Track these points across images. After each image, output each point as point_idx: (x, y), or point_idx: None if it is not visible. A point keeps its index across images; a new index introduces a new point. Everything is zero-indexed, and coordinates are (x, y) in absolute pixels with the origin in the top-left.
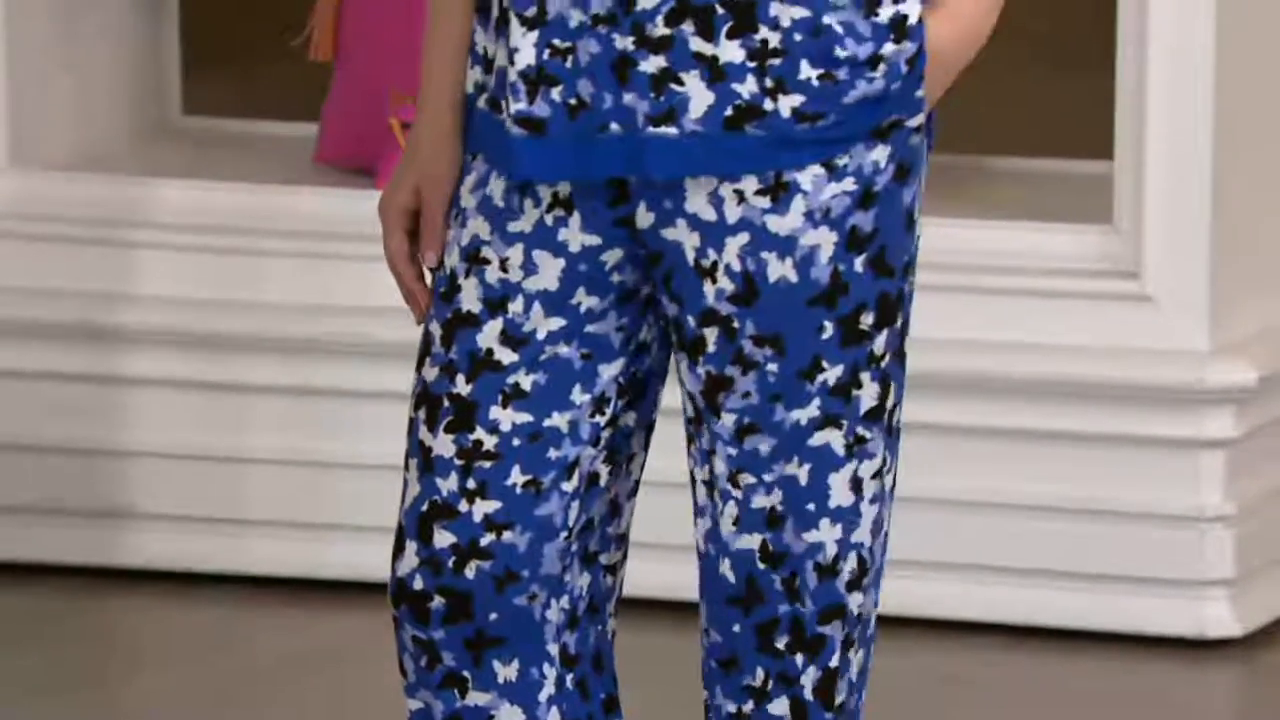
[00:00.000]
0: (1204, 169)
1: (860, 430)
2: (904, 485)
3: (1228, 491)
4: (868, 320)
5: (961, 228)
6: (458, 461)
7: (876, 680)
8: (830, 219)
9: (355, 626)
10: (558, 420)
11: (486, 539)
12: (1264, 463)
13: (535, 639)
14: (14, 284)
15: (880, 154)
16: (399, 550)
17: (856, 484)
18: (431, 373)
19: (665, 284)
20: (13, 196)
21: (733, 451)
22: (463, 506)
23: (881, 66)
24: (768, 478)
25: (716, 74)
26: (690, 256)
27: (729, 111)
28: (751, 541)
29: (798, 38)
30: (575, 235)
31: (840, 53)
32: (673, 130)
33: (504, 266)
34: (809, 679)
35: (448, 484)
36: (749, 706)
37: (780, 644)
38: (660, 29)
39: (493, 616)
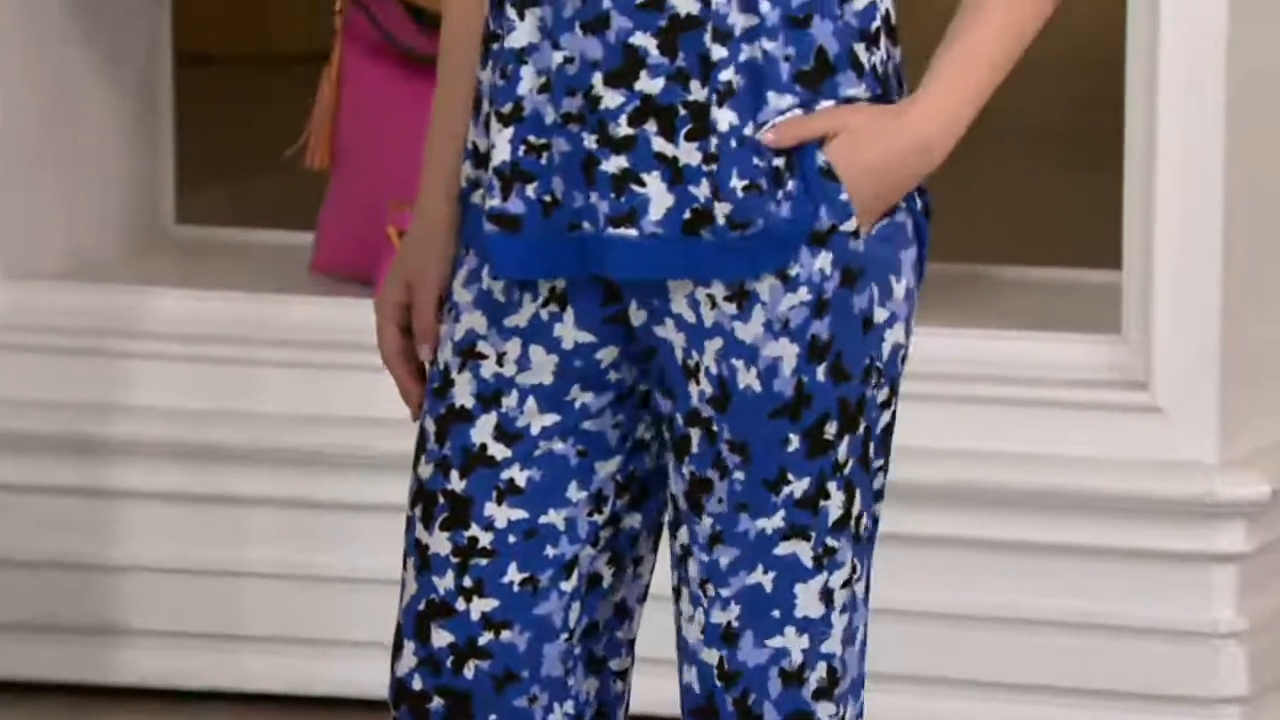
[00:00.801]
0: (1214, 278)
1: (829, 541)
2: (907, 599)
3: (1240, 607)
4: (831, 429)
5: (966, 337)
6: (454, 559)
7: None
8: (790, 330)
9: None
10: (554, 517)
11: (485, 638)
12: (1277, 578)
13: None
14: (3, 395)
15: (823, 261)
16: (398, 650)
17: (827, 595)
18: (426, 469)
19: (659, 381)
20: (3, 307)
21: (704, 558)
22: (460, 605)
23: (784, 179)
24: (725, 592)
25: (676, 176)
26: (679, 355)
27: (687, 215)
28: (711, 656)
29: (732, 144)
30: (569, 331)
31: (759, 162)
32: (633, 232)
33: (500, 361)
34: None
35: (444, 582)
36: None
37: None
38: (624, 129)
39: (492, 718)
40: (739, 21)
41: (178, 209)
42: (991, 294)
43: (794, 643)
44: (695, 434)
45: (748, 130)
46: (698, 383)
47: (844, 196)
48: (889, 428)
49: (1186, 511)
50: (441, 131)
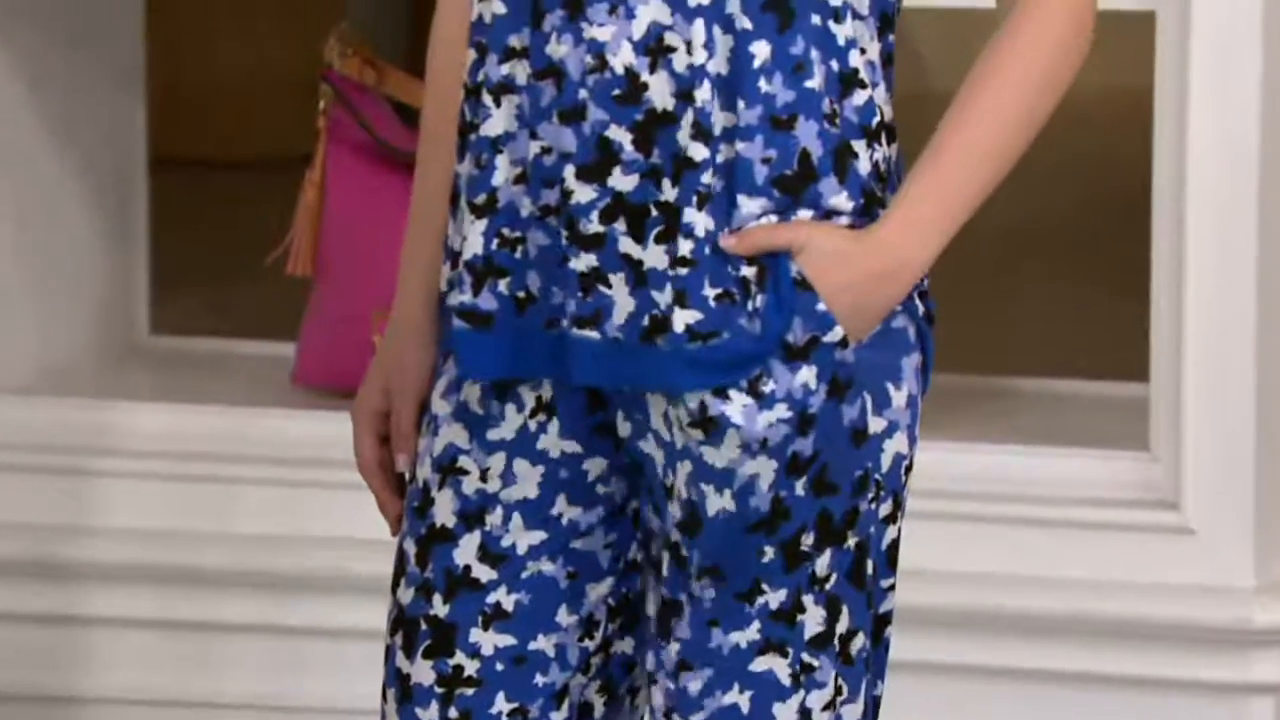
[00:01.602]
0: (1247, 391)
1: (806, 658)
2: None
3: None
4: (808, 541)
5: (987, 453)
6: (438, 689)
7: None
8: (769, 449)
9: None
10: (543, 643)
11: None
12: None
13: None
14: None
15: (807, 375)
16: None
17: (805, 714)
18: (407, 594)
19: (648, 496)
20: None
21: (670, 686)
22: None
23: (752, 289)
24: (696, 718)
25: (640, 279)
26: (660, 474)
27: (645, 321)
28: None
29: (707, 251)
30: (555, 441)
31: (732, 270)
32: (595, 334)
33: (483, 477)
34: None
35: (428, 714)
36: None
37: None
38: (594, 226)
39: None
40: (720, 120)
41: (153, 319)
42: (1013, 407)
43: None
44: (666, 556)
45: (722, 238)
46: (670, 503)
47: (821, 307)
48: (894, 544)
49: (1221, 639)
50: (419, 231)
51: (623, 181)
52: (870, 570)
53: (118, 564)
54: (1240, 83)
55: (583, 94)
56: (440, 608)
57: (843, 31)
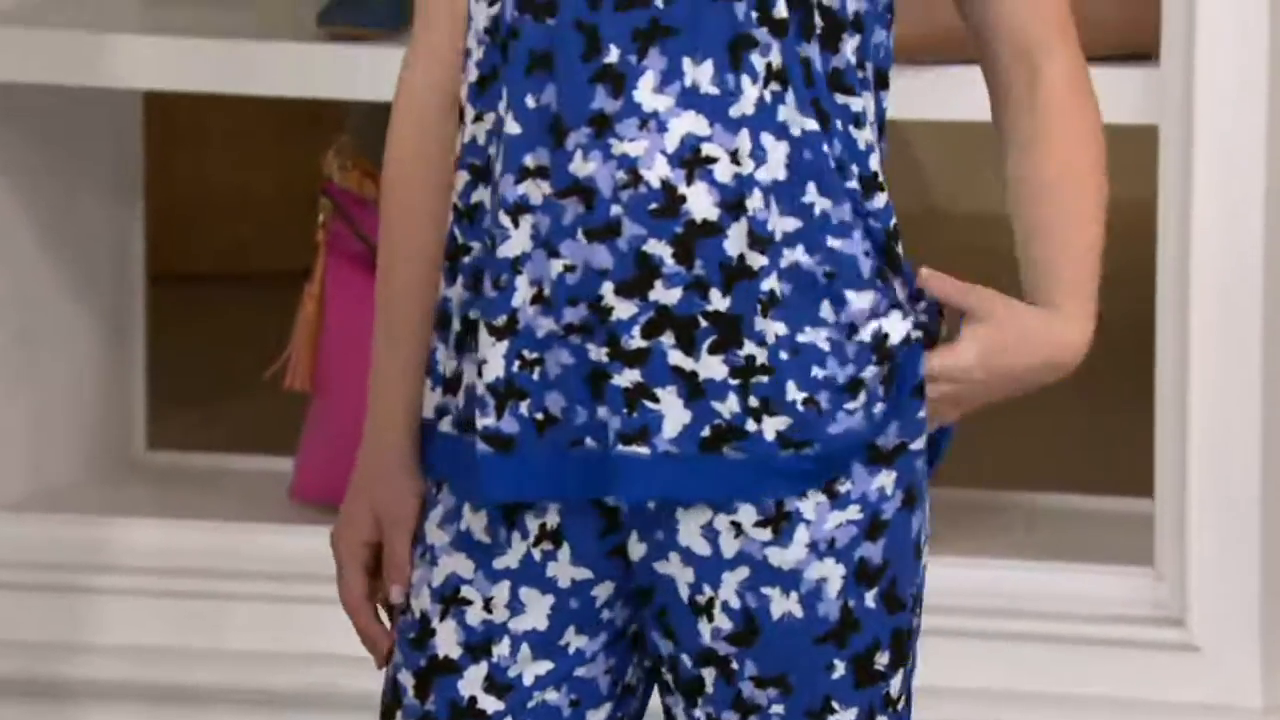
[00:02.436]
0: (1252, 507)
1: None
2: None
3: None
4: (883, 660)
5: (987, 568)
6: None
7: None
8: (836, 550)
9: None
10: None
11: None
12: None
13: None
14: None
15: (885, 479)
16: None
17: None
18: None
19: (658, 620)
20: None
21: None
22: None
23: (861, 393)
24: None
25: (695, 391)
26: (684, 593)
27: (706, 432)
28: None
29: (783, 355)
30: (565, 569)
31: (819, 373)
32: (644, 450)
33: (488, 606)
34: None
35: None
36: None
37: None
38: (637, 341)
39: None
40: (780, 225)
41: (150, 434)
42: (1016, 522)
43: None
44: (709, 675)
45: (803, 337)
46: (710, 619)
47: (921, 414)
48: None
49: None
50: (394, 357)
51: (666, 295)
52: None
53: (113, 681)
54: (1244, 197)
55: (616, 210)
56: None
57: (862, 137)
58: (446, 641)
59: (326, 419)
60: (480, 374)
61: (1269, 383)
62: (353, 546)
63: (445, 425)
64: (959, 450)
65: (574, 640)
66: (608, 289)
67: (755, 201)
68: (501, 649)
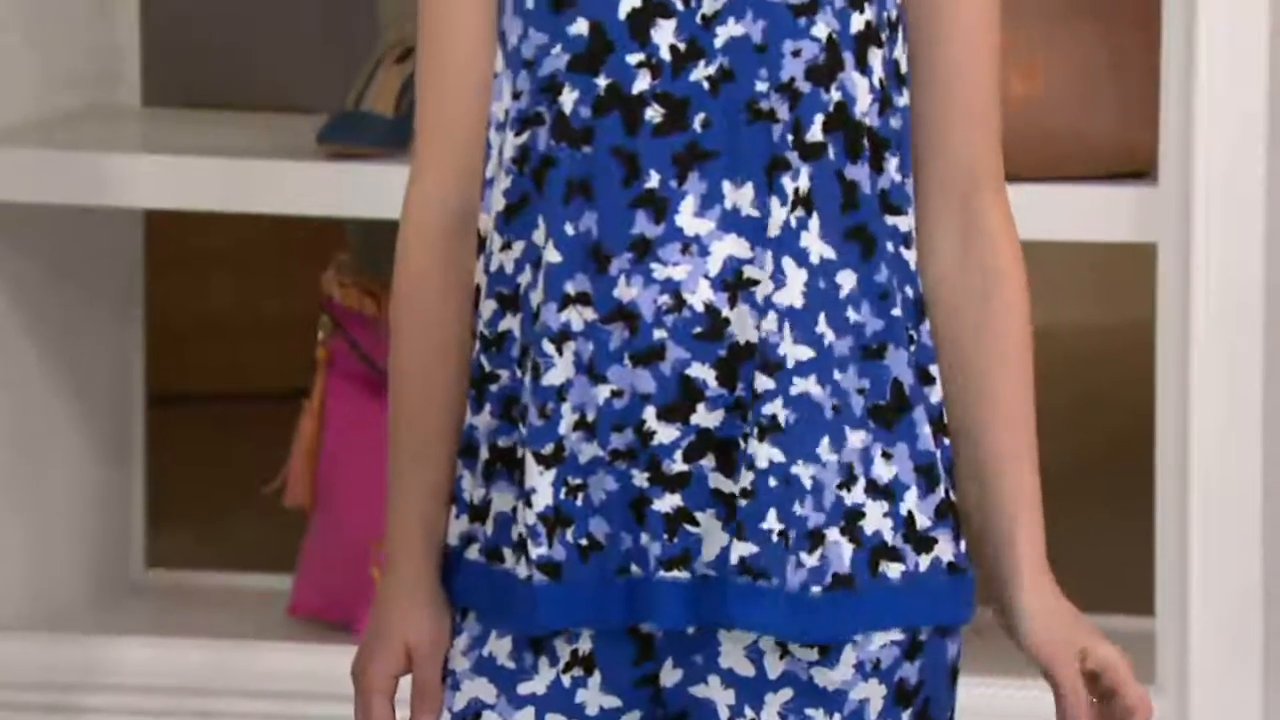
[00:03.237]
0: (1255, 625)
1: None
2: None
3: None
4: None
5: (993, 686)
6: None
7: None
8: (880, 671)
9: None
10: None
11: None
12: None
13: None
14: None
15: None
16: None
17: None
18: None
19: None
20: None
21: None
22: None
23: (924, 553)
24: None
25: (733, 513)
26: (724, 715)
27: (744, 554)
28: None
29: (772, 483)
30: (595, 696)
31: (799, 509)
32: (684, 575)
33: None
34: None
35: None
36: None
37: None
38: (678, 465)
39: None
40: (793, 353)
41: (149, 553)
42: (1011, 641)
43: None
44: None
45: (796, 469)
46: None
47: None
48: None
49: None
50: (416, 486)
51: (708, 418)
52: None
53: None
54: (1243, 316)
55: (660, 334)
56: None
57: (912, 257)
58: None
59: (325, 535)
60: (529, 504)
61: (1269, 499)
62: (381, 679)
63: (472, 553)
64: None
65: None
66: (650, 414)
67: (769, 324)
68: None
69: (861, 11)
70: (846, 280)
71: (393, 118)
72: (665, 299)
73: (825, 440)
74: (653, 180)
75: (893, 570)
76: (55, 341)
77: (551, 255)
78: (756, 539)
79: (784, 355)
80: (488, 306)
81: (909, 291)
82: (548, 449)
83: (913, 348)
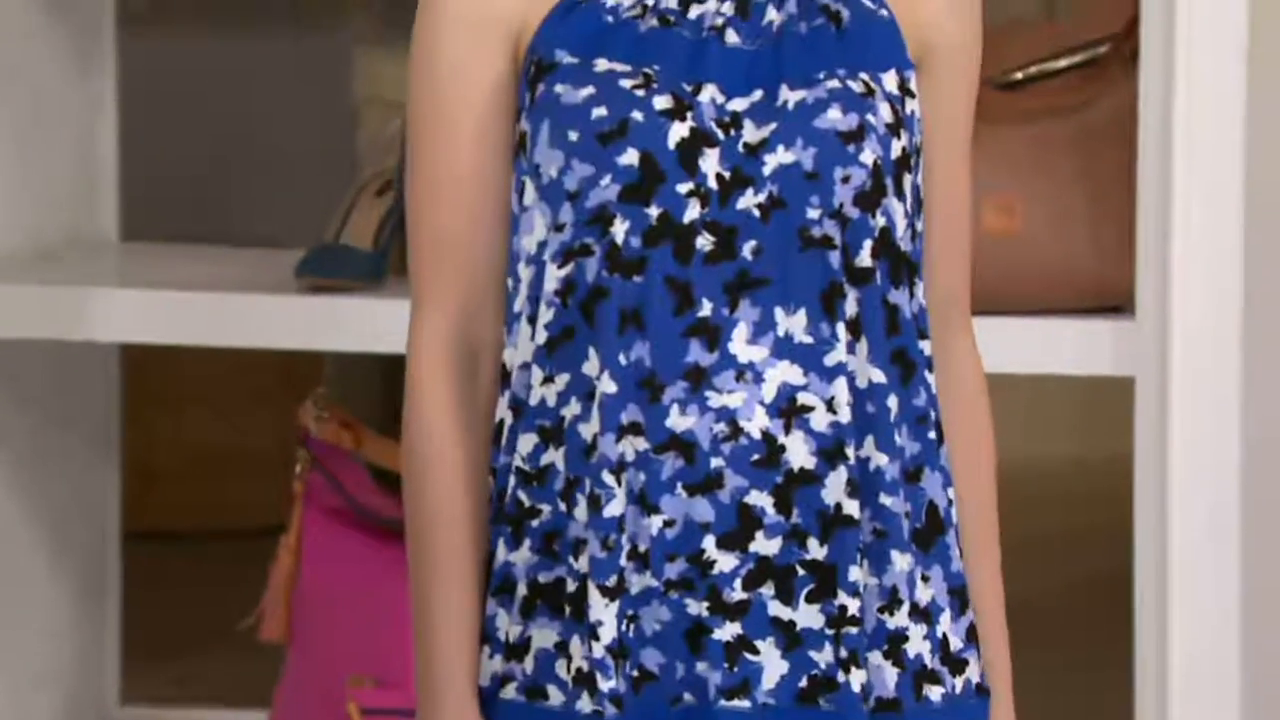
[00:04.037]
0: None
1: None
2: None
3: None
4: None
5: None
6: None
7: None
8: None
9: None
10: None
11: None
12: None
13: None
14: None
15: None
16: None
17: None
18: None
19: None
20: None
21: None
22: None
23: (958, 675)
24: None
25: (793, 640)
26: None
27: (803, 683)
28: None
29: (875, 608)
30: None
31: (909, 650)
32: (745, 703)
33: None
34: None
35: None
36: None
37: None
38: (738, 593)
39: None
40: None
41: (124, 690)
42: None
43: None
44: None
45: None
46: None
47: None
48: None
49: None
50: (446, 627)
51: (767, 545)
52: None
53: None
54: (1220, 451)
55: (717, 463)
56: None
57: (934, 381)
58: None
59: (301, 671)
60: (596, 636)
61: (1246, 643)
62: None
63: (509, 692)
64: None
65: None
66: (709, 542)
67: (852, 449)
68: None
69: (899, 138)
70: (893, 404)
71: (372, 251)
72: (722, 427)
73: (864, 565)
74: (705, 309)
75: (934, 693)
76: (31, 476)
77: (607, 386)
78: (871, 670)
79: (850, 480)
80: (527, 441)
81: (933, 415)
82: (611, 581)
83: (945, 472)
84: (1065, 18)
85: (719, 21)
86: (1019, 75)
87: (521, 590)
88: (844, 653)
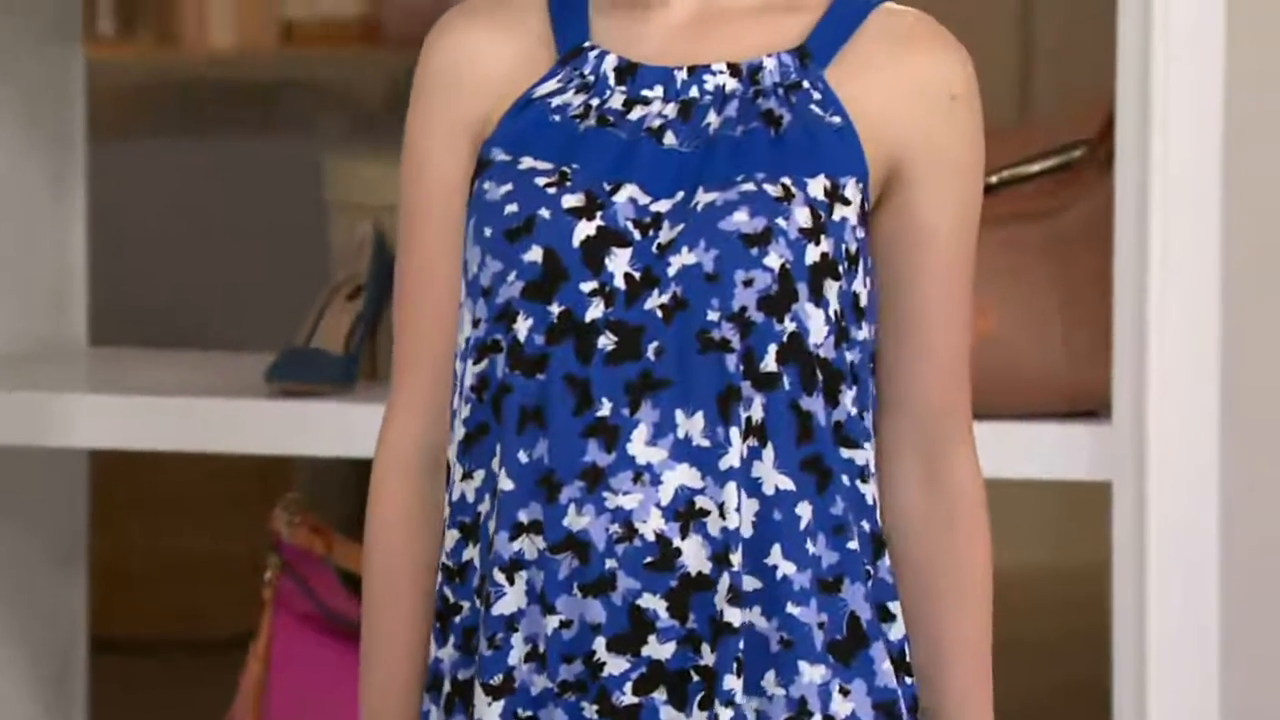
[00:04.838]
0: None
1: None
2: None
3: None
4: None
5: None
6: None
7: None
8: None
9: None
10: None
11: None
12: None
13: None
14: None
15: None
16: None
17: None
18: None
19: None
20: None
21: None
22: None
23: None
24: None
25: None
26: None
27: None
28: None
29: (748, 718)
30: None
31: None
32: None
33: None
34: None
35: None
36: None
37: None
38: (628, 698)
39: None
40: (751, 584)
41: None
42: None
43: None
44: None
45: (741, 701)
46: None
47: None
48: None
49: None
50: None
51: (660, 650)
52: None
53: None
54: (1199, 553)
55: (610, 564)
56: None
57: (870, 491)
58: None
59: None
60: None
61: None
62: None
63: None
64: None
65: None
66: (600, 645)
67: (738, 557)
68: None
69: (817, 243)
70: (804, 512)
71: (343, 355)
72: (616, 528)
73: (770, 674)
74: (604, 408)
75: None
76: None
77: (505, 483)
78: None
79: (747, 588)
80: (450, 536)
81: (865, 526)
82: (497, 680)
83: (870, 583)
84: (1040, 121)
85: (658, 124)
86: (993, 179)
87: (446, 687)
88: None
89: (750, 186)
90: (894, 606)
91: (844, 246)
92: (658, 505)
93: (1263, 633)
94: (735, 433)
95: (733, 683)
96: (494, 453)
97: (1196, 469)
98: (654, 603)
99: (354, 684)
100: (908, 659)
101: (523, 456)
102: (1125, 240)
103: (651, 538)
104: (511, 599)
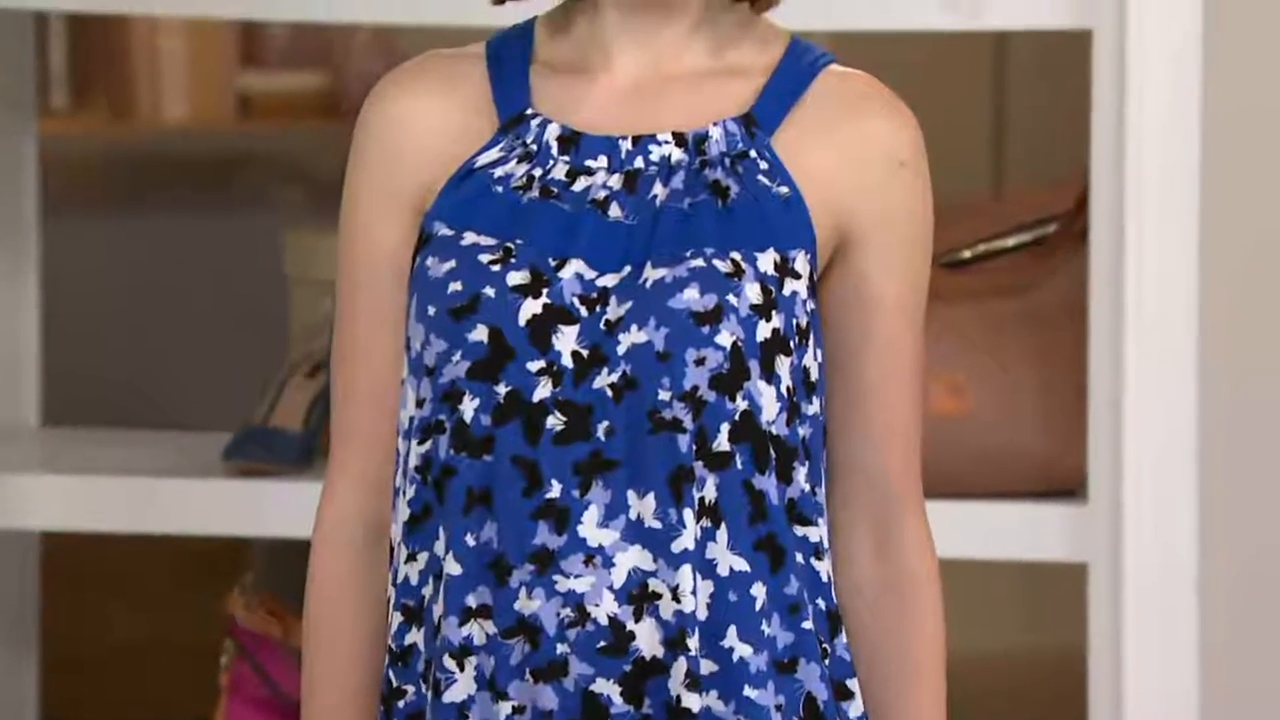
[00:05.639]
0: None
1: None
2: None
3: None
4: None
5: None
6: None
7: None
8: None
9: None
10: None
11: None
12: None
13: None
14: None
15: None
16: None
17: None
18: None
19: None
20: None
21: None
22: None
23: None
24: None
25: None
26: None
27: None
28: None
29: None
30: None
31: None
32: None
33: None
34: None
35: None
36: None
37: None
38: None
39: None
40: (708, 666)
41: None
42: None
43: None
44: None
45: None
46: None
47: None
48: None
49: None
50: None
51: None
52: None
53: None
54: (1177, 637)
55: (562, 649)
56: None
57: (824, 568)
58: None
59: None
60: None
61: None
62: None
63: None
64: None
65: None
66: None
67: (694, 640)
68: None
69: (769, 319)
70: (759, 592)
71: (301, 433)
72: (568, 612)
73: None
74: (554, 490)
75: None
76: None
77: (452, 567)
78: None
79: (689, 671)
80: (395, 619)
81: (821, 604)
82: None
83: (826, 661)
84: (1014, 196)
85: (602, 195)
86: (967, 254)
87: None
88: None
89: (700, 262)
90: (852, 684)
91: (795, 321)
92: (610, 588)
93: (1242, 717)
94: (689, 514)
95: None
96: (437, 535)
97: (1174, 550)
98: (608, 688)
99: None
100: None
101: (470, 539)
102: (1100, 316)
103: (604, 621)
104: (461, 686)
